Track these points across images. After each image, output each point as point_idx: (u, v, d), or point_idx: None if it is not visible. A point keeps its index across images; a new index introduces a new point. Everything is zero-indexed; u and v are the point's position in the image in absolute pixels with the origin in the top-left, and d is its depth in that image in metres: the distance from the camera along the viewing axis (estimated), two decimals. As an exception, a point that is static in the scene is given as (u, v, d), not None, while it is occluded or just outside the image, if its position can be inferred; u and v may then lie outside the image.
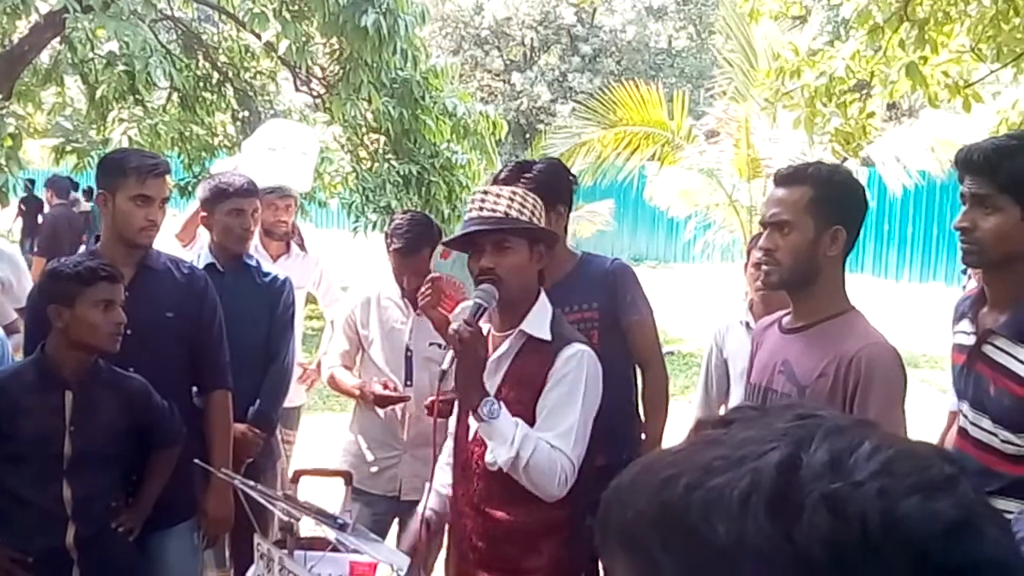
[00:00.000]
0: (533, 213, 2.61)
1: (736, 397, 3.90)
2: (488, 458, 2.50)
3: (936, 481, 0.62)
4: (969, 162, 2.38)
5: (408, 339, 3.80)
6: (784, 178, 2.48)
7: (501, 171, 3.33)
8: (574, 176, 3.43)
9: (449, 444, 2.84)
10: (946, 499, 0.61)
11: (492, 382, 2.59)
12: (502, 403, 2.49)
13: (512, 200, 2.58)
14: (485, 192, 2.64)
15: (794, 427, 0.66)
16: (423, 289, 3.49)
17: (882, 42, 5.63)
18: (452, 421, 2.80)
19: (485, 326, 2.63)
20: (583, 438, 2.53)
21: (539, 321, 2.61)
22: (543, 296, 2.67)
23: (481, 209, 2.58)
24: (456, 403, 2.76)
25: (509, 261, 2.56)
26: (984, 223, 2.35)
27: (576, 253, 3.41)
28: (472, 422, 2.60)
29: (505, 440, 2.45)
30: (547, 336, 2.59)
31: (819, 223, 2.39)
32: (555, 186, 3.24)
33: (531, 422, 2.52)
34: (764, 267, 2.50)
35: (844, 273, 2.49)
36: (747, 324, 3.79)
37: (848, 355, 2.32)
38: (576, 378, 2.53)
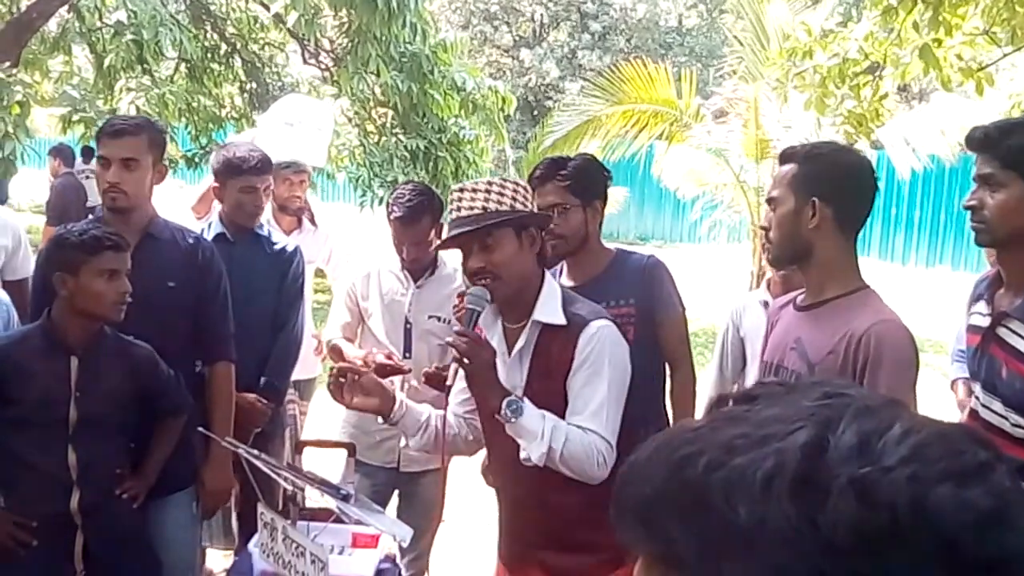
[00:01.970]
0: (515, 199, 2.55)
1: (752, 376, 3.91)
2: (522, 455, 2.47)
3: (969, 468, 0.60)
4: (973, 140, 2.44)
5: (407, 311, 3.80)
6: (780, 156, 2.54)
7: (536, 168, 3.33)
8: (608, 171, 3.43)
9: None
10: (979, 487, 0.59)
11: (518, 377, 2.58)
12: (525, 399, 2.48)
13: (489, 193, 2.53)
14: (461, 190, 2.58)
15: (821, 406, 0.64)
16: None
17: (896, 23, 5.59)
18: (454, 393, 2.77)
19: (496, 330, 2.64)
20: (616, 413, 2.51)
21: (550, 307, 2.57)
22: (548, 279, 2.64)
23: (459, 209, 2.54)
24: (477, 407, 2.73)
25: (497, 256, 2.51)
26: (991, 200, 2.39)
27: (611, 249, 3.40)
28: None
29: (535, 436, 2.43)
30: (562, 320, 2.55)
31: (799, 197, 2.40)
32: (590, 182, 3.26)
33: (565, 408, 2.50)
34: (764, 245, 2.55)
35: (854, 251, 2.47)
36: (765, 303, 3.80)
37: (858, 332, 2.30)
38: (599, 356, 2.50)
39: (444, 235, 2.70)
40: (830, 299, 2.43)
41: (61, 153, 10.57)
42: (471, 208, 2.52)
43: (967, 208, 2.46)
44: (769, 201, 2.48)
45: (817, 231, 2.39)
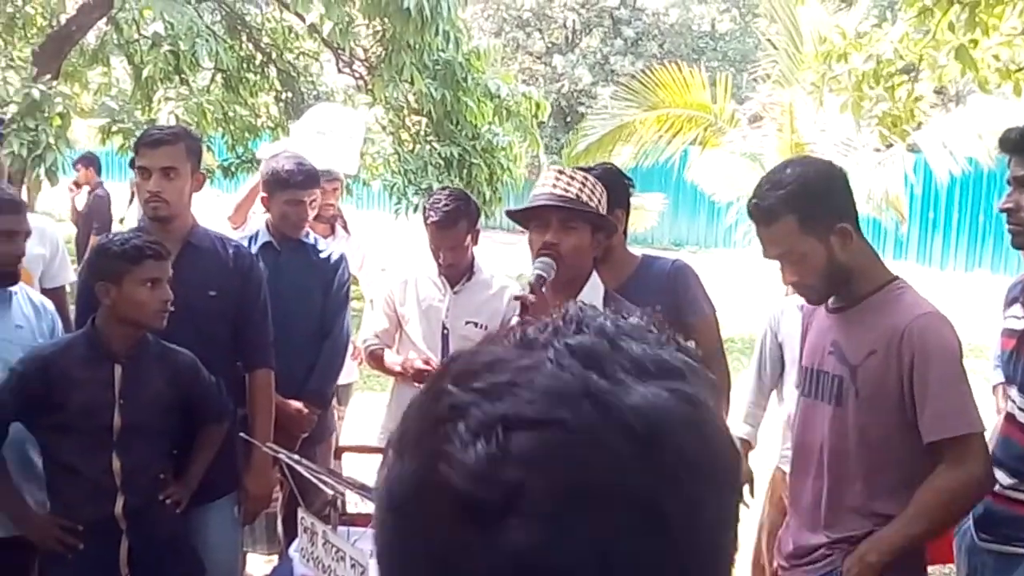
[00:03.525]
0: (600, 202, 2.68)
1: (791, 380, 3.90)
2: None
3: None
4: (1007, 141, 2.44)
5: (444, 317, 3.82)
6: (765, 219, 2.44)
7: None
8: (630, 179, 3.45)
9: None
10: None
11: None
12: None
13: (584, 185, 2.66)
14: (560, 172, 2.72)
15: None
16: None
17: (931, 24, 5.54)
18: None
19: None
20: None
21: (593, 297, 2.66)
22: (595, 275, 2.73)
23: (554, 186, 2.65)
24: None
25: (572, 241, 2.62)
26: None
27: (636, 255, 3.41)
28: None
29: None
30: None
31: (820, 235, 2.38)
32: (612, 191, 3.26)
33: None
34: (800, 293, 2.56)
35: (872, 247, 2.48)
36: (802, 307, 3.79)
37: (899, 329, 2.30)
38: None
39: (526, 212, 2.75)
40: (861, 298, 2.43)
41: (93, 162, 10.43)
42: (566, 190, 2.64)
43: (1003, 211, 2.46)
44: (786, 260, 2.45)
45: (851, 251, 2.40)
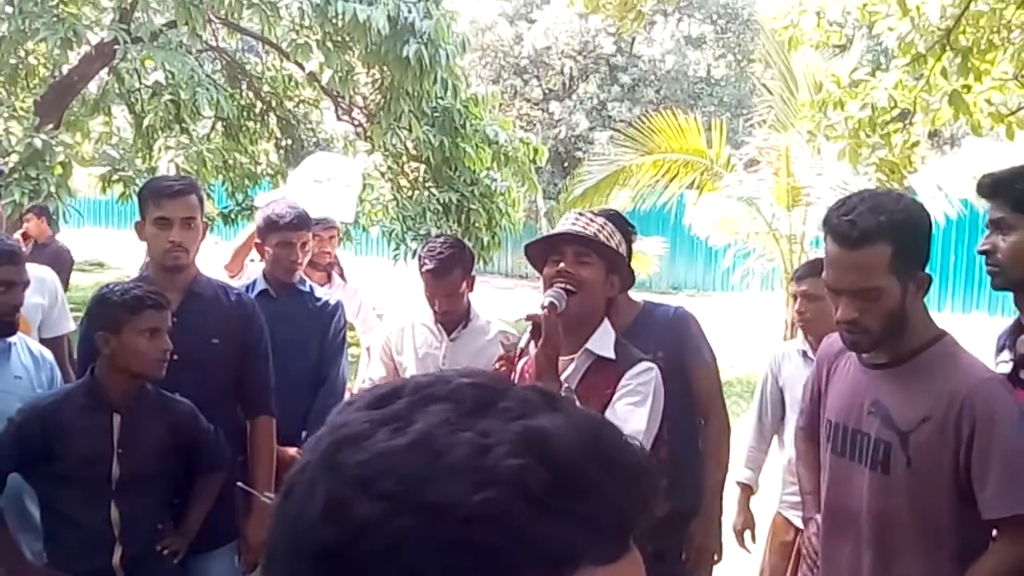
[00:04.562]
0: (618, 245, 2.72)
1: (791, 425, 3.89)
2: None
3: None
4: (983, 187, 2.49)
5: (441, 364, 3.82)
6: (857, 240, 2.20)
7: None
8: (633, 226, 3.45)
9: None
10: None
11: None
12: (576, 394, 2.51)
13: (603, 228, 2.70)
14: (580, 213, 2.79)
15: None
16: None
17: (925, 71, 5.61)
18: None
19: None
20: (648, 446, 2.52)
21: (604, 342, 2.65)
22: (606, 322, 2.71)
23: (573, 224, 2.69)
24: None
25: (585, 273, 2.62)
26: (1003, 244, 2.45)
27: (638, 302, 3.43)
28: None
29: None
30: (612, 355, 2.63)
31: (903, 277, 2.22)
32: None
33: None
34: (849, 335, 2.31)
35: (924, 300, 2.34)
36: (803, 352, 3.79)
37: (958, 395, 2.17)
38: (646, 389, 2.56)
39: (541, 243, 2.79)
40: (909, 355, 2.30)
41: (45, 212, 9.02)
42: (585, 228, 2.67)
43: (981, 252, 2.52)
44: (857, 292, 2.23)
45: (916, 301, 2.29)
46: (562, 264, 2.63)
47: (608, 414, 2.51)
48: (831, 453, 2.47)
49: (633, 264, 3.29)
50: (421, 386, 0.69)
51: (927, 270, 2.32)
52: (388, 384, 0.72)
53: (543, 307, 2.52)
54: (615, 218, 3.38)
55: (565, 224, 2.73)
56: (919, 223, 2.27)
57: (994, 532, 2.25)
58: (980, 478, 2.15)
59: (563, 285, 2.59)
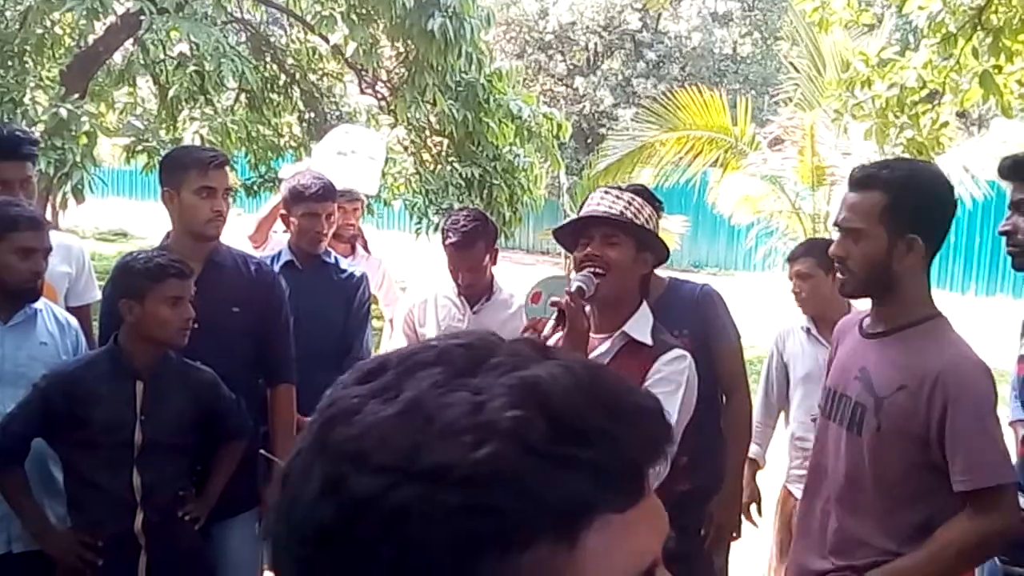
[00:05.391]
0: (648, 220, 2.65)
1: (797, 400, 3.91)
2: None
3: None
4: (1003, 168, 2.48)
5: None
6: (858, 181, 2.36)
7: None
8: (660, 201, 3.44)
9: None
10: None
11: None
12: None
13: (630, 204, 2.63)
14: (606, 190, 2.72)
15: None
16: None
17: (955, 51, 5.54)
18: None
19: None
20: (676, 439, 2.51)
21: (641, 326, 2.62)
22: (645, 305, 2.68)
23: (599, 204, 2.64)
24: None
25: (613, 254, 2.57)
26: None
27: (664, 278, 3.40)
28: None
29: None
30: (648, 341, 2.59)
31: (892, 232, 2.28)
32: None
33: None
34: (838, 274, 2.42)
35: (928, 278, 2.38)
36: (807, 329, 3.82)
37: (934, 370, 2.23)
38: (677, 376, 2.53)
39: (569, 227, 2.74)
40: (899, 328, 2.36)
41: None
42: (611, 207, 2.61)
43: (1002, 233, 2.51)
44: (848, 231, 2.35)
45: (908, 266, 2.31)
46: (589, 248, 2.59)
47: None
48: (821, 416, 2.55)
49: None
50: (408, 355, 0.68)
51: (948, 252, 2.35)
52: (375, 358, 0.70)
53: (569, 292, 2.49)
54: (643, 193, 3.38)
55: (591, 204, 2.68)
56: (923, 187, 2.33)
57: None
58: (951, 452, 2.22)
59: (592, 268, 2.56)
